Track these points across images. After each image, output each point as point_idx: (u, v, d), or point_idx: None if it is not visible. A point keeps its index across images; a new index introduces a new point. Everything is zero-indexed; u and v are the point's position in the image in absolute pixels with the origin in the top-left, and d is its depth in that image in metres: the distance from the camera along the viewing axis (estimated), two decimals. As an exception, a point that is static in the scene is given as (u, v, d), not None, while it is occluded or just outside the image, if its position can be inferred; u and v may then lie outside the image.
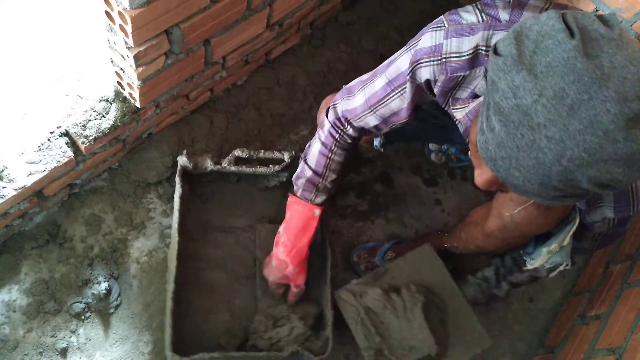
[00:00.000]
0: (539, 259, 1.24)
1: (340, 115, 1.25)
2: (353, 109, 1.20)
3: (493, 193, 1.34)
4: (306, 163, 1.35)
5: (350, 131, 1.26)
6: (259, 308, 1.48)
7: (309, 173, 1.34)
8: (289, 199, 1.40)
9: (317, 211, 1.36)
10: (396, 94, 1.09)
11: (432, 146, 1.84)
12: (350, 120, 1.24)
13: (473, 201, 1.77)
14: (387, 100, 1.12)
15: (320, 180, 1.34)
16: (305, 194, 1.36)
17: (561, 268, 1.24)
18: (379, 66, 1.14)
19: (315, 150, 1.32)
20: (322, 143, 1.30)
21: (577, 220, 1.14)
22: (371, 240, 1.68)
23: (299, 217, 1.36)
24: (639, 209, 1.06)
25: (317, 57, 1.89)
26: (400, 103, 1.11)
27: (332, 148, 1.30)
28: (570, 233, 1.16)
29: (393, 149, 1.82)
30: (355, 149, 1.36)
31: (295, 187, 1.39)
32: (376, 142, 1.53)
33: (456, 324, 1.41)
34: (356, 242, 1.68)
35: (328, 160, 1.31)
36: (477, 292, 1.51)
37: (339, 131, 1.27)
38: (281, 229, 1.40)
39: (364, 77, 1.20)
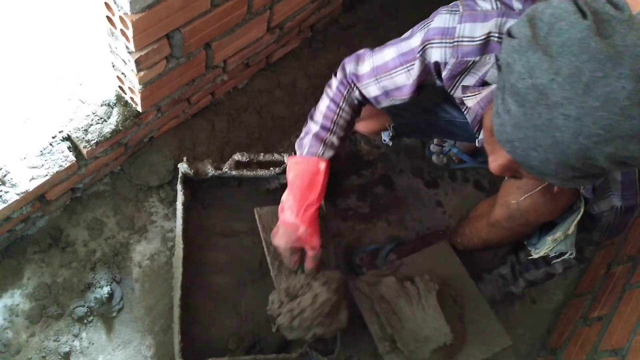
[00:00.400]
0: (543, 248, 1.24)
1: (347, 75, 1.23)
2: (360, 75, 1.19)
3: (495, 192, 1.35)
4: (312, 120, 1.29)
5: (356, 93, 1.24)
6: (275, 287, 1.39)
7: (315, 128, 1.27)
8: (287, 160, 1.31)
9: (323, 164, 1.25)
10: (404, 69, 1.09)
11: (433, 148, 1.84)
12: (356, 84, 1.23)
13: (474, 202, 1.77)
14: (394, 73, 1.12)
15: (328, 135, 1.26)
16: (312, 149, 1.27)
17: (566, 257, 1.24)
18: (391, 40, 1.14)
19: (322, 107, 1.28)
20: (331, 99, 1.26)
21: (582, 210, 1.15)
22: (373, 243, 1.68)
23: (304, 174, 1.26)
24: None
25: (318, 59, 1.89)
26: (405, 79, 1.10)
27: (341, 104, 1.26)
28: (575, 222, 1.16)
29: (394, 150, 1.83)
30: (359, 113, 1.32)
31: (298, 151, 1.30)
32: (384, 135, 1.52)
33: (474, 322, 1.39)
34: (357, 245, 1.68)
35: (336, 116, 1.26)
36: (494, 290, 1.51)
37: (347, 88, 1.25)
38: (284, 195, 1.29)
39: (375, 48, 1.19)
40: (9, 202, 1.26)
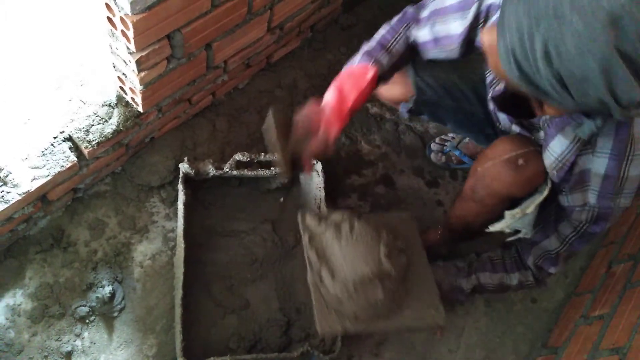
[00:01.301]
0: (501, 222, 1.25)
1: (407, 16, 1.25)
2: (419, 19, 1.21)
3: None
4: (368, 41, 1.25)
5: (411, 32, 1.24)
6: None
7: (366, 48, 1.23)
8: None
9: (371, 72, 1.17)
10: (459, 15, 1.12)
11: (433, 146, 1.84)
12: (412, 26, 1.23)
13: (475, 202, 1.78)
14: (450, 17, 1.14)
15: (379, 53, 1.21)
16: (362, 61, 1.20)
17: (520, 235, 1.25)
18: None
19: (378, 36, 1.25)
20: (389, 29, 1.24)
21: (545, 193, 1.16)
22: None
23: (349, 75, 1.18)
24: (620, 202, 1.05)
25: (318, 60, 1.90)
26: (457, 27, 1.13)
27: (399, 33, 1.23)
28: (536, 202, 1.17)
29: (395, 150, 1.83)
30: (411, 56, 1.29)
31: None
32: (403, 107, 1.51)
33: (416, 291, 1.32)
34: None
35: (390, 44, 1.22)
36: (443, 276, 1.44)
37: (406, 24, 1.24)
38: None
39: None
40: (11, 202, 1.27)
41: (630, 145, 0.98)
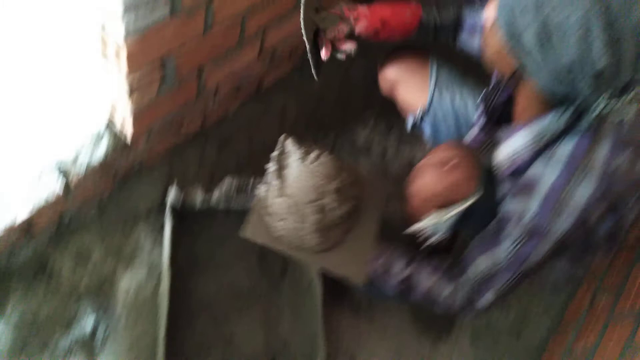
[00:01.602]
0: (418, 224, 1.23)
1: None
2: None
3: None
4: None
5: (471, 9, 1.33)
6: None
7: None
8: None
9: (417, 7, 1.31)
10: None
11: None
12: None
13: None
14: None
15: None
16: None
17: (436, 238, 1.22)
18: None
19: None
20: None
21: (465, 205, 1.14)
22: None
23: (393, 2, 1.31)
24: (556, 224, 0.99)
25: (309, 85, 1.89)
26: None
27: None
28: (453, 211, 1.16)
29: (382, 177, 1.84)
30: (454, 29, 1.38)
31: None
32: (411, 119, 1.51)
33: (350, 248, 1.29)
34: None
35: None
36: (383, 252, 1.27)
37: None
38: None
39: None
40: (-6, 233, 1.24)
41: (585, 164, 0.95)
